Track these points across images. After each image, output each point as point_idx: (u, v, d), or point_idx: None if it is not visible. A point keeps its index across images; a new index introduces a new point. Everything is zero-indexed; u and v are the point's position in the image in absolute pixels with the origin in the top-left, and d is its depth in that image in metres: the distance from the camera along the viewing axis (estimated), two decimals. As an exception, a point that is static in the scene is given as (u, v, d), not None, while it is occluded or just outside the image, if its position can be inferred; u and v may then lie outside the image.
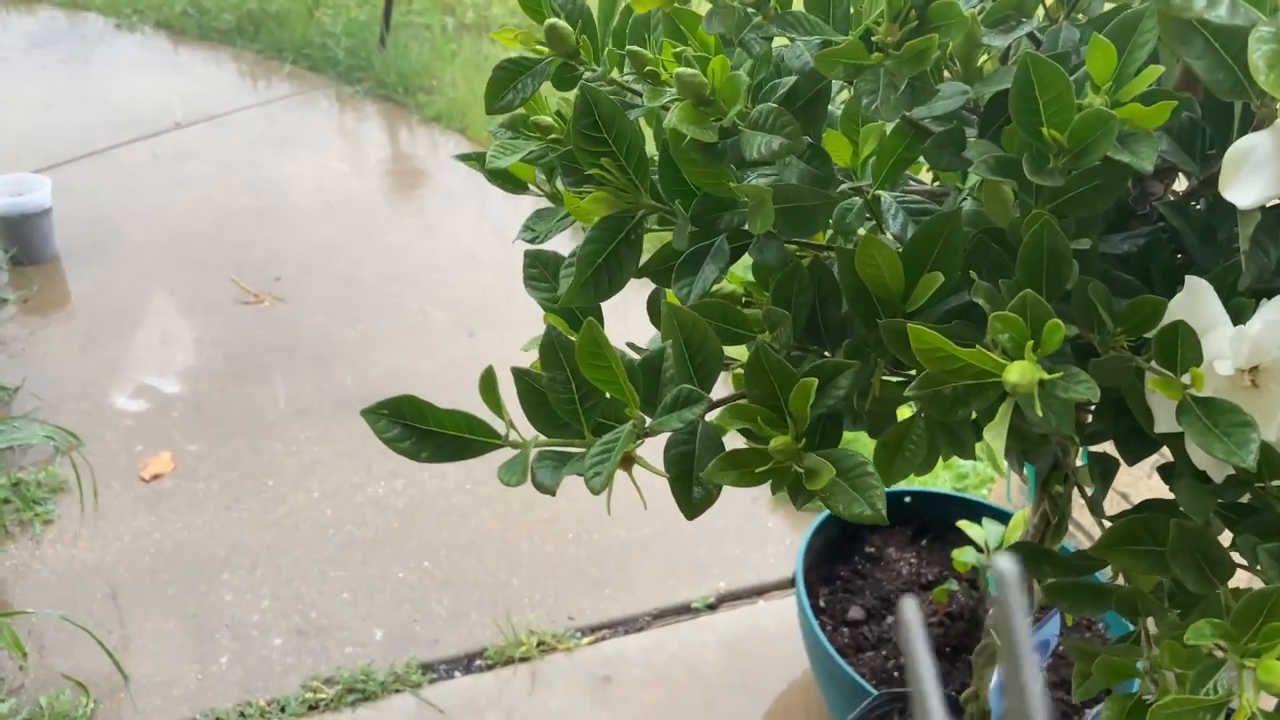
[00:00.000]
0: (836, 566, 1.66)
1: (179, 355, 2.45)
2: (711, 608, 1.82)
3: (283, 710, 1.59)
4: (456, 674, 1.68)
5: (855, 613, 1.57)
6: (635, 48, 0.63)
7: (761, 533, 1.99)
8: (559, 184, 0.92)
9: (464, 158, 0.95)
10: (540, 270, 0.77)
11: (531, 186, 0.98)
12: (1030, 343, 0.51)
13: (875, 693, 1.35)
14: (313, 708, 1.60)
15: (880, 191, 0.66)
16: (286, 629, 1.73)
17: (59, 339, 2.50)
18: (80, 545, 1.88)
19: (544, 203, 0.86)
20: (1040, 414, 0.48)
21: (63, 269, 2.78)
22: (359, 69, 4.01)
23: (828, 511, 1.70)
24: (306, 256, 2.90)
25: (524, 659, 1.70)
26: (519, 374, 0.61)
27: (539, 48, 0.65)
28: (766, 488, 0.58)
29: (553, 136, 0.74)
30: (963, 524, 1.49)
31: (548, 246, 0.81)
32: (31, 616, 1.70)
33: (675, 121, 0.55)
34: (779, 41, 0.64)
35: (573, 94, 0.64)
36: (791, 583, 1.88)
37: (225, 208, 3.13)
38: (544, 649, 1.72)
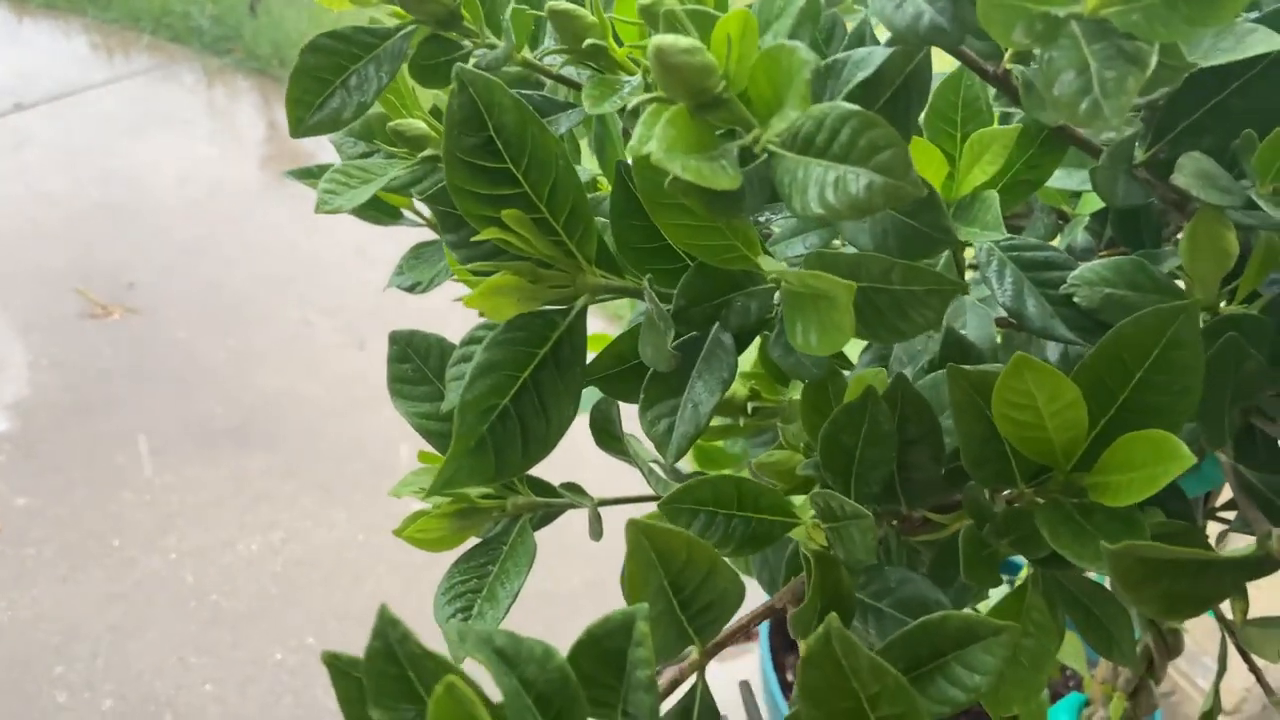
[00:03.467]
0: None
1: (8, 384, 2.06)
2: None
3: None
4: (350, 782, 1.38)
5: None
6: (562, 2, 0.33)
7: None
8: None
9: (299, 175, 0.64)
10: (415, 368, 0.47)
11: (407, 213, 0.68)
12: None
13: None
14: (167, 844, 1.28)
15: (982, 236, 0.38)
16: (134, 738, 1.40)
17: None
18: None
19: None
20: None
21: None
22: (227, 39, 3.58)
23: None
24: (166, 259, 2.51)
25: (433, 756, 1.41)
26: (332, 663, 0.30)
27: (389, 8, 0.35)
28: None
29: (429, 153, 0.44)
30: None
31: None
32: None
33: (660, 149, 0.26)
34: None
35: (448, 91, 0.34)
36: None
37: (70, 203, 2.71)
38: (457, 743, 1.43)
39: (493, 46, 0.35)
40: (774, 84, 0.27)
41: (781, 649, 1.35)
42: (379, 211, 0.64)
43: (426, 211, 0.67)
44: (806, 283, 0.30)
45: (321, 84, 0.35)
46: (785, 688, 1.30)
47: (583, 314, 0.34)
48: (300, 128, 0.35)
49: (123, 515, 1.76)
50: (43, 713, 1.42)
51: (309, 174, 0.65)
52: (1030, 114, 0.34)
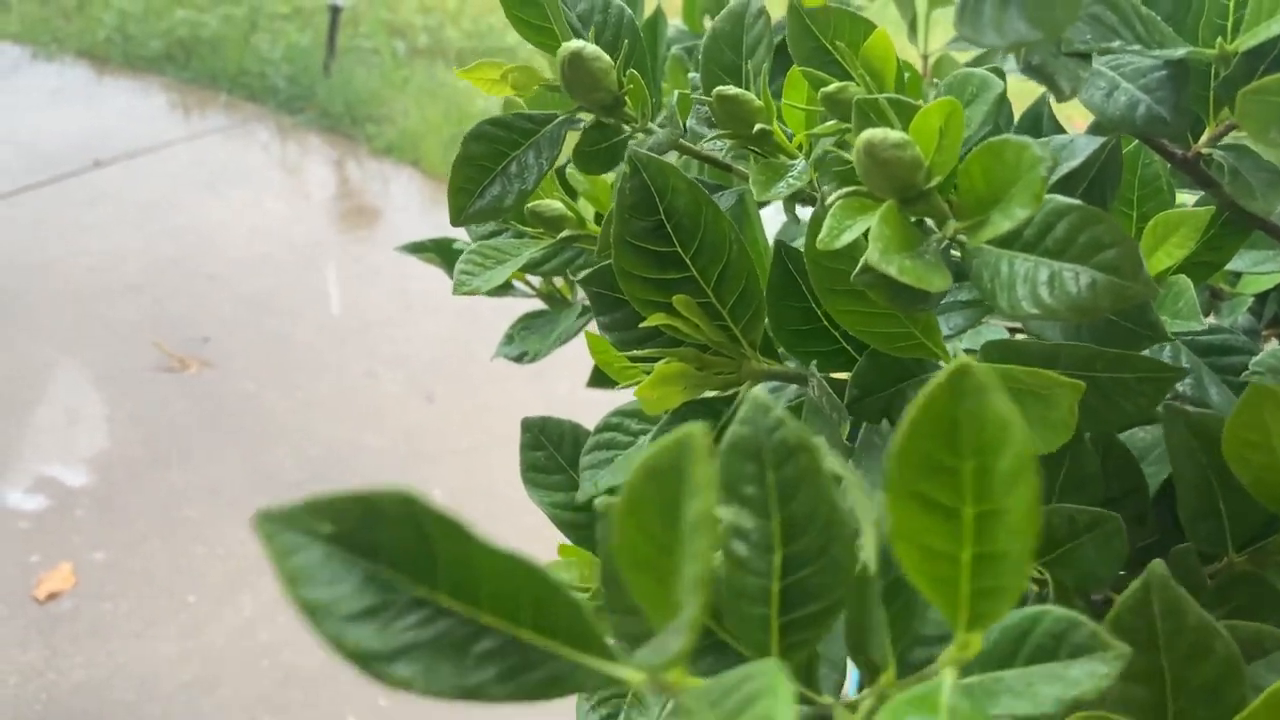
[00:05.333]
0: None
1: (87, 437, 2.10)
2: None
3: None
4: None
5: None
6: (730, 88, 0.32)
7: None
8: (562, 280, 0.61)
9: (412, 250, 0.64)
10: (548, 455, 0.45)
11: (517, 284, 0.68)
12: None
13: None
14: None
15: (1178, 325, 0.35)
16: (207, 800, 1.39)
17: (-57, 421, 2.14)
18: (-52, 696, 1.52)
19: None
20: None
21: (-49, 336, 2.41)
22: (301, 98, 3.67)
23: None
24: (238, 313, 2.55)
25: (504, 825, 1.37)
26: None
27: (549, 93, 0.34)
28: None
29: (566, 234, 0.43)
30: None
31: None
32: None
33: (877, 251, 0.24)
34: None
35: (612, 176, 0.33)
36: None
37: (146, 258, 2.77)
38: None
39: (649, 132, 0.34)
40: (992, 179, 0.25)
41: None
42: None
43: (536, 281, 0.66)
44: (1017, 378, 0.28)
45: (483, 171, 0.34)
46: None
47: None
48: (461, 216, 0.34)
49: (196, 569, 1.77)
50: (116, 771, 1.42)
51: (420, 248, 0.65)
52: (1237, 199, 0.32)
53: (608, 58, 0.32)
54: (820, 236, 0.26)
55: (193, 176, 3.22)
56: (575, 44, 0.32)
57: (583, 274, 0.34)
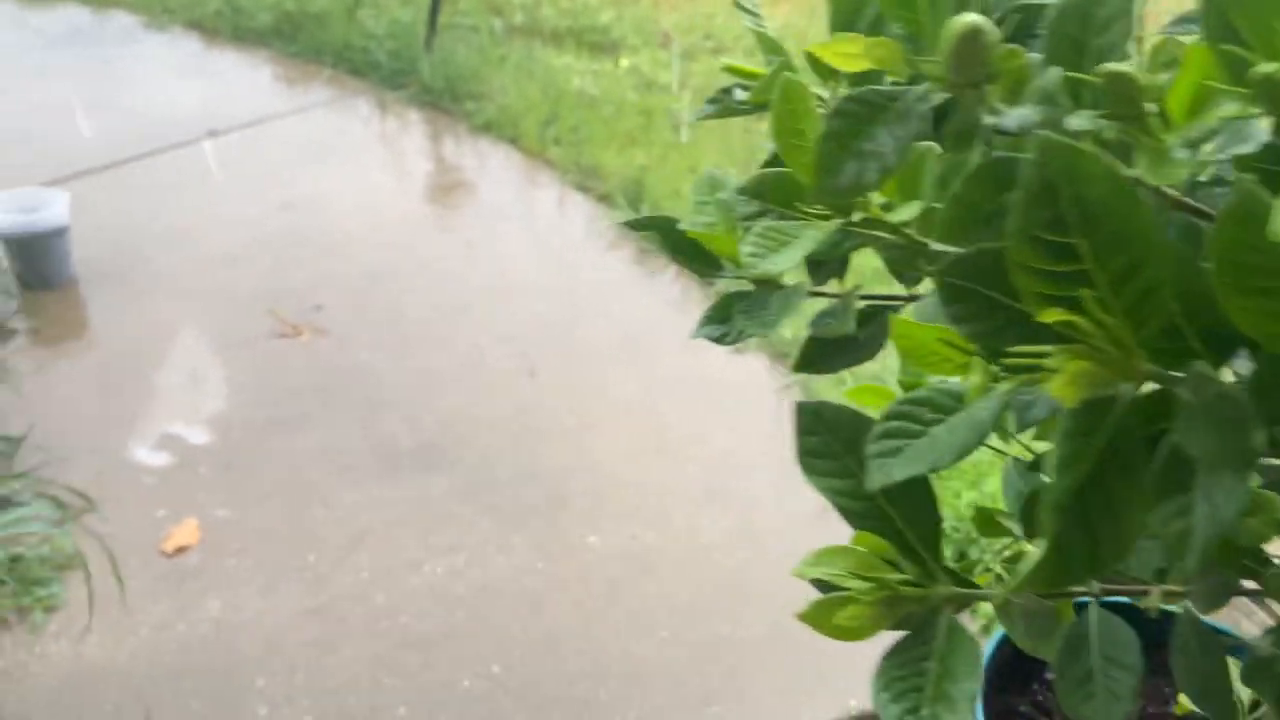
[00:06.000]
0: (1013, 698, 1.34)
1: (208, 399, 2.16)
2: (843, 731, 1.50)
3: None
4: (538, 816, 1.37)
5: (1048, 767, 1.25)
6: (1119, 66, 0.31)
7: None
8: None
9: (635, 225, 0.65)
10: (823, 440, 0.45)
11: (726, 263, 0.67)
12: None
13: None
14: None
15: None
16: (333, 754, 1.43)
17: (72, 377, 2.22)
18: (89, 641, 1.58)
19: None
20: None
21: (79, 295, 2.50)
22: (403, 73, 3.72)
23: (1001, 632, 1.38)
24: (348, 283, 2.61)
25: (620, 798, 1.39)
26: None
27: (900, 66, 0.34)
28: None
29: (860, 217, 0.43)
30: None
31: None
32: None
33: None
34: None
35: (970, 157, 0.33)
36: (935, 698, 1.56)
37: (259, 227, 2.85)
38: (644, 786, 1.41)
39: (1023, 110, 0.34)
40: None
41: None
42: (702, 264, 0.64)
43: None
44: None
45: (844, 149, 0.34)
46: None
47: (1136, 404, 0.32)
48: (824, 193, 0.34)
49: (315, 531, 1.82)
50: (246, 722, 1.47)
51: (642, 224, 0.65)
52: None
53: (998, 32, 0.32)
54: (1271, 225, 0.26)
55: (300, 149, 3.28)
56: (972, 18, 0.32)
57: (942, 265, 0.34)
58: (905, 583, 0.44)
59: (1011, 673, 1.36)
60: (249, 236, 2.79)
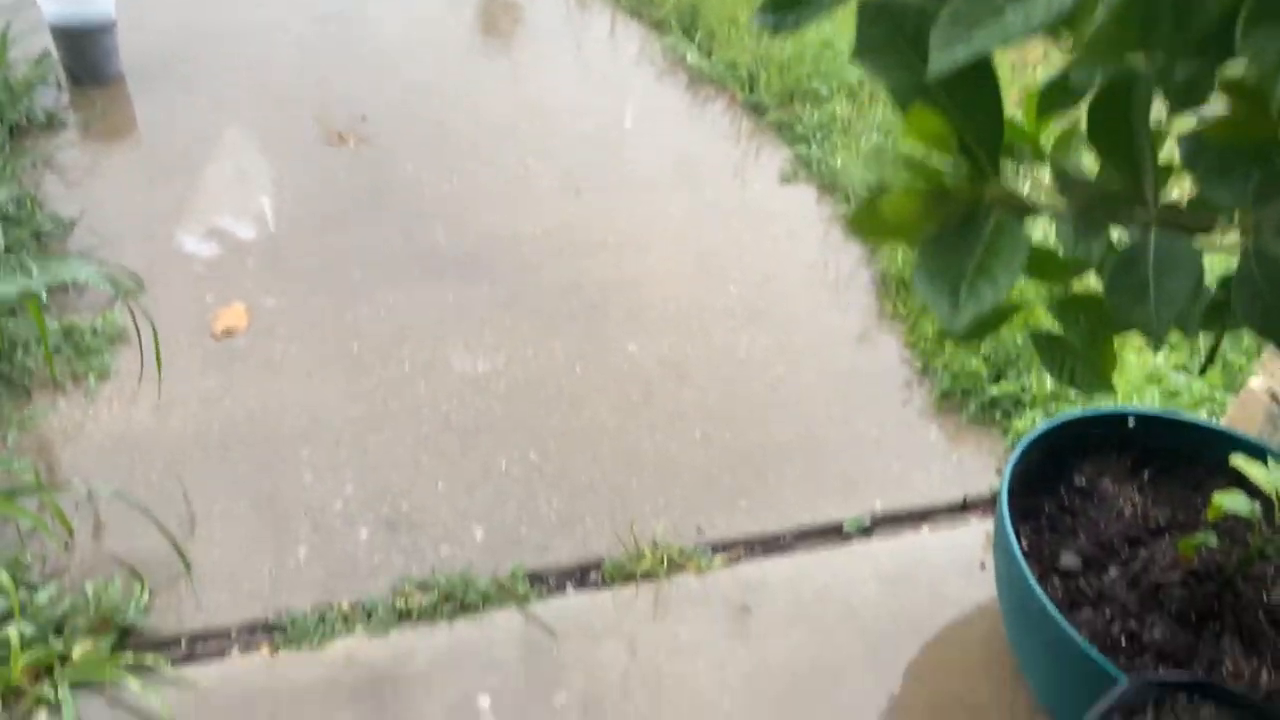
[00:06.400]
0: (1040, 499, 1.36)
1: (255, 196, 2.17)
2: (866, 531, 1.54)
3: (369, 616, 1.35)
4: (568, 587, 1.43)
5: (1069, 560, 1.27)
6: None
7: (922, 447, 1.68)
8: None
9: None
10: (885, 32, 0.44)
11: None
12: None
13: (1119, 675, 1.06)
14: (403, 616, 1.36)
15: None
16: (374, 520, 1.48)
17: (122, 169, 2.23)
18: (140, 407, 1.64)
19: None
20: None
21: (128, 91, 2.50)
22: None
23: (1032, 434, 1.39)
24: (394, 96, 2.58)
25: (647, 576, 1.44)
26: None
27: None
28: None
29: None
30: (1239, 461, 1.17)
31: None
32: (81, 489, 1.47)
33: None
34: None
35: None
36: (961, 508, 1.59)
37: (306, 34, 2.81)
38: (671, 567, 1.45)
39: None
40: None
41: (1016, 519, 1.31)
42: None
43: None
44: None
45: None
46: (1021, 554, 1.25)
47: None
48: None
49: (359, 325, 1.85)
50: (291, 488, 1.52)
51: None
52: None
53: None
54: None
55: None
56: None
57: None
58: (957, 180, 0.44)
59: (1038, 477, 1.38)
60: (294, 42, 2.75)
